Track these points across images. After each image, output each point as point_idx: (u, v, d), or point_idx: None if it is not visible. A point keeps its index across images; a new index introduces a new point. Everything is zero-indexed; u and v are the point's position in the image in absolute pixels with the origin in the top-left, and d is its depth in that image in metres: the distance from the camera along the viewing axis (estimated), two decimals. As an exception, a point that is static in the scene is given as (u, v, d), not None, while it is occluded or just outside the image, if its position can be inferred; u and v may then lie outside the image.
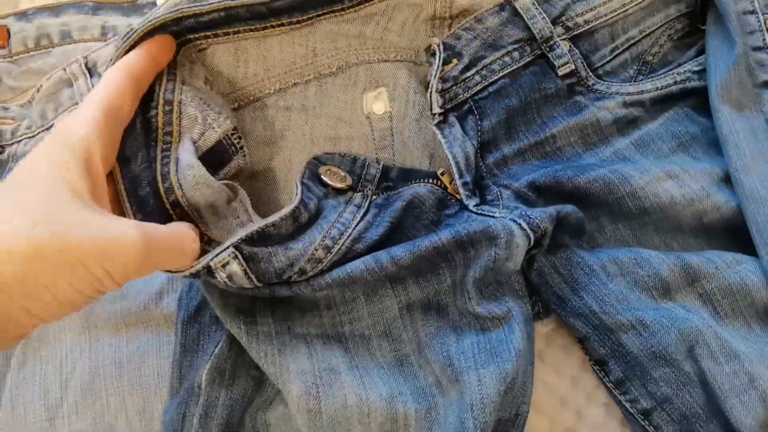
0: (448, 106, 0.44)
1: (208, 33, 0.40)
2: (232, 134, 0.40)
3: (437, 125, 0.43)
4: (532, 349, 0.40)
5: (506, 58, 0.45)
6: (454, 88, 0.45)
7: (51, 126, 0.51)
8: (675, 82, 0.47)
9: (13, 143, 0.51)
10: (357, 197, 0.42)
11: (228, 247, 0.35)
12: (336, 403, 0.37)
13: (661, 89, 0.46)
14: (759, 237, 0.42)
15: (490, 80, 0.45)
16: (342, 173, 0.43)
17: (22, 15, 0.55)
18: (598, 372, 0.42)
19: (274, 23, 0.41)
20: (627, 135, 0.45)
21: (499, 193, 0.43)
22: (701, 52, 0.48)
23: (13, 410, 0.44)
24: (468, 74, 0.45)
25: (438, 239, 0.38)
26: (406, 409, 0.38)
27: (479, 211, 0.42)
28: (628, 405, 0.41)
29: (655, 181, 0.42)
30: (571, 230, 0.42)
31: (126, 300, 0.45)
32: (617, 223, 0.44)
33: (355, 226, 0.40)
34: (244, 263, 0.35)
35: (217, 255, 0.34)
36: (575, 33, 0.46)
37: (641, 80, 0.47)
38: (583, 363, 0.43)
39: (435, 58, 0.44)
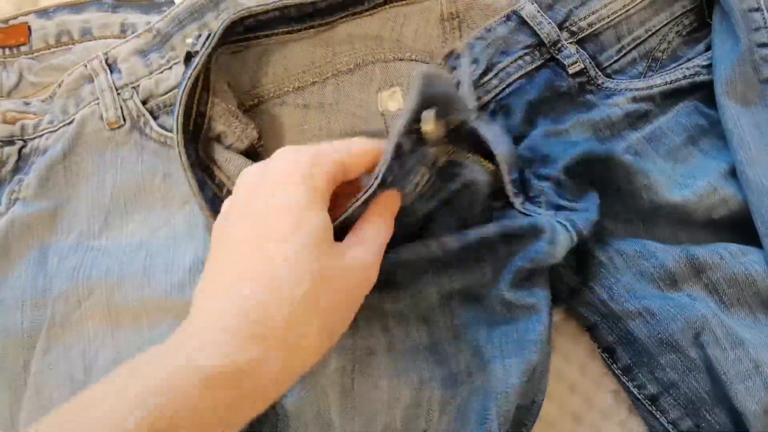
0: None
1: (251, 35, 0.41)
2: (256, 143, 0.42)
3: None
4: (543, 334, 0.41)
5: (519, 62, 0.47)
6: (476, 91, 0.46)
7: (72, 121, 0.52)
8: (684, 77, 0.48)
9: (35, 137, 0.53)
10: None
11: None
12: (369, 384, 0.39)
13: (670, 83, 0.47)
14: (764, 228, 0.43)
15: (507, 82, 0.47)
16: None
17: (43, 12, 0.57)
18: (606, 359, 0.43)
19: (308, 24, 0.42)
20: (639, 129, 0.46)
21: (541, 189, 0.44)
22: (710, 46, 0.49)
23: (38, 395, 0.45)
24: (486, 78, 0.46)
25: (487, 231, 0.40)
26: (431, 394, 0.39)
27: (525, 210, 0.43)
28: (635, 391, 0.42)
29: (669, 180, 0.44)
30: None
31: (148, 288, 0.47)
32: (630, 213, 0.45)
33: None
34: None
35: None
36: (580, 37, 0.48)
37: (651, 75, 0.48)
38: (591, 351, 0.44)
39: (462, 60, 0.45)
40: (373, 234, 0.34)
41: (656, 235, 0.45)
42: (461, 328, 0.42)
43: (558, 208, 0.43)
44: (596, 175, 0.44)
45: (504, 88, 0.47)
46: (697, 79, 0.48)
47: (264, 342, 0.29)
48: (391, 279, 0.41)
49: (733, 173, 0.45)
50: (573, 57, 0.46)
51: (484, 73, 0.47)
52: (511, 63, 0.47)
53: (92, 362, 0.46)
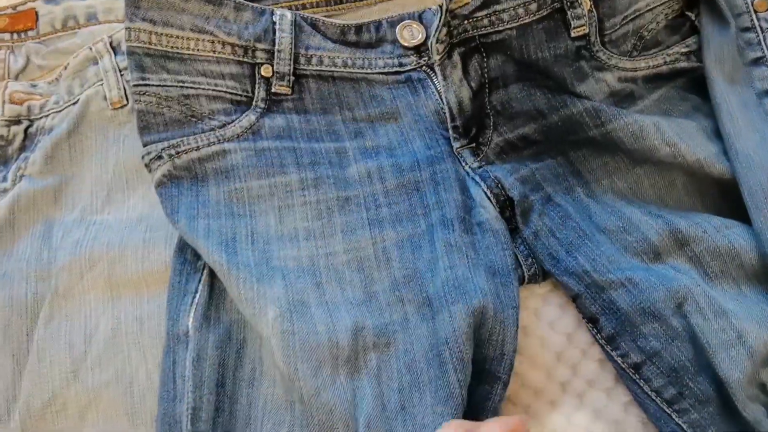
0: (455, 41, 0.48)
1: None
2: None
3: (440, 64, 0.47)
4: (510, 294, 0.43)
5: (520, 10, 0.48)
6: (464, 23, 0.48)
7: (77, 101, 0.54)
8: (665, 63, 0.49)
9: (41, 117, 0.54)
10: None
11: None
12: (308, 328, 0.41)
13: (652, 68, 0.49)
14: (750, 200, 0.44)
15: (497, 28, 0.48)
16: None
17: (51, -2, 0.59)
18: (590, 329, 0.44)
19: None
20: (624, 108, 0.48)
21: (489, 139, 0.47)
22: (687, 35, 0.51)
23: (39, 363, 0.47)
24: (478, 14, 0.48)
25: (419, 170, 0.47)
26: (365, 342, 0.41)
27: (457, 156, 0.48)
28: (619, 360, 0.43)
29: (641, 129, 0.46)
30: (556, 182, 0.46)
31: (148, 261, 0.48)
32: (612, 177, 0.47)
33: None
34: None
35: None
36: None
37: (636, 57, 0.49)
38: (578, 321, 0.45)
39: (439, 14, 0.47)
40: None
41: (642, 196, 0.46)
42: (404, 281, 0.44)
43: (501, 160, 0.48)
44: (571, 129, 0.47)
45: (491, 33, 0.48)
46: (678, 65, 0.49)
47: None
48: (325, 232, 0.45)
49: (717, 154, 0.47)
50: (582, 19, 0.48)
51: (479, 8, 0.48)
52: (511, 8, 0.48)
53: (93, 331, 0.47)
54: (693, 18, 0.51)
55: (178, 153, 0.46)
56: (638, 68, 0.49)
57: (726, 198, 0.46)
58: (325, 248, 0.45)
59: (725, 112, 0.47)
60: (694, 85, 0.50)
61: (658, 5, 0.50)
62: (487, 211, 0.46)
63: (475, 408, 0.42)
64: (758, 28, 0.48)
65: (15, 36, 0.58)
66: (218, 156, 0.47)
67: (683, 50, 0.50)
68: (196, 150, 0.47)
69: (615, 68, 0.48)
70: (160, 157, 0.46)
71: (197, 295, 0.45)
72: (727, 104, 0.47)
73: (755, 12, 0.48)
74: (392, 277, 0.44)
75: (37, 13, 0.58)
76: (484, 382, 0.42)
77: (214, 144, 0.47)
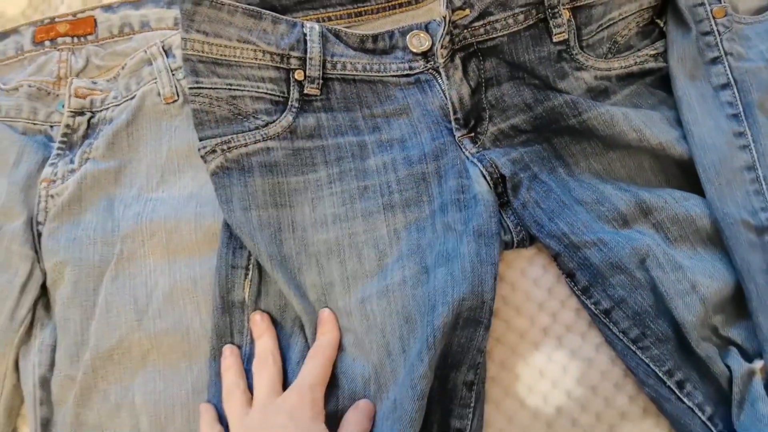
0: (457, 47, 0.57)
1: None
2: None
3: (444, 67, 0.57)
4: (491, 252, 0.51)
5: (510, 20, 0.57)
6: (464, 32, 0.57)
7: (134, 96, 0.63)
8: (636, 63, 0.58)
9: (102, 110, 0.63)
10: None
11: None
12: (333, 305, 0.53)
13: (624, 68, 0.58)
14: (704, 175, 0.53)
15: (491, 35, 0.57)
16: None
17: (108, 8, 0.68)
18: (568, 283, 0.53)
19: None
20: (599, 102, 0.56)
21: (486, 128, 0.56)
22: (656, 39, 0.59)
23: (108, 312, 0.55)
24: (476, 24, 0.57)
25: (426, 163, 0.56)
26: (371, 306, 0.51)
27: (458, 143, 0.57)
28: (592, 307, 0.52)
29: (612, 118, 0.55)
30: (541, 163, 0.56)
31: (200, 231, 0.57)
32: (589, 159, 0.56)
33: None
34: None
35: None
36: (577, 5, 0.57)
37: (610, 58, 0.58)
38: (558, 278, 0.54)
39: (443, 24, 0.56)
40: None
41: (615, 175, 0.55)
42: (408, 253, 0.53)
43: (495, 146, 0.56)
44: (553, 119, 0.56)
45: (487, 39, 0.57)
46: (646, 66, 0.58)
47: None
48: (348, 215, 0.55)
49: (678, 138, 0.55)
50: (562, 27, 0.56)
51: (476, 19, 0.57)
52: (502, 19, 0.57)
53: (153, 289, 0.56)
54: (662, 25, 0.60)
55: (229, 148, 0.55)
56: (612, 68, 0.58)
57: (686, 176, 0.55)
58: (349, 229, 0.54)
59: (685, 103, 0.56)
60: (660, 83, 0.59)
61: (630, 15, 0.59)
62: (482, 186, 0.54)
63: (463, 347, 0.50)
64: (716, 33, 0.56)
65: (75, 39, 0.67)
66: (263, 152, 0.55)
67: (652, 52, 0.59)
68: (244, 146, 0.55)
69: (592, 68, 0.57)
70: (214, 151, 0.54)
71: (250, 273, 0.54)
72: (687, 97, 0.56)
73: (714, 18, 0.56)
74: (400, 251, 0.53)
75: (95, 20, 0.67)
76: (468, 326, 0.50)
77: (260, 141, 0.55)
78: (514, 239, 0.55)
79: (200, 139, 0.55)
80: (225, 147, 0.54)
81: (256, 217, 0.53)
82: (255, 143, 0.55)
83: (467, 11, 0.56)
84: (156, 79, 0.63)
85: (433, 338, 0.47)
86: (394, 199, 0.55)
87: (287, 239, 0.54)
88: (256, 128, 0.56)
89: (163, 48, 0.64)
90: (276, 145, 0.56)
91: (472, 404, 0.50)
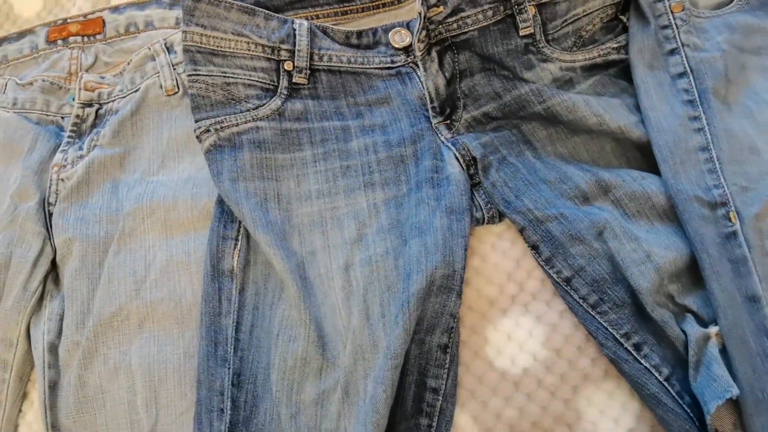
0: (433, 41, 0.62)
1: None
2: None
3: (422, 59, 0.62)
4: (462, 226, 0.56)
5: (480, 16, 0.62)
6: (439, 27, 0.62)
7: (138, 89, 0.68)
8: (599, 55, 0.62)
9: (109, 102, 0.69)
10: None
11: None
12: (315, 272, 0.56)
13: (588, 60, 0.62)
14: (659, 155, 0.57)
15: (464, 30, 0.62)
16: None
17: (115, 9, 0.73)
18: (533, 254, 0.57)
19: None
20: (564, 90, 0.61)
21: (460, 116, 0.61)
22: (619, 33, 0.64)
23: (110, 283, 0.60)
24: (449, 20, 0.62)
25: (404, 147, 0.60)
26: (355, 274, 0.56)
27: (436, 130, 0.61)
28: (554, 276, 0.56)
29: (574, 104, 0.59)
30: (510, 147, 0.60)
31: (196, 210, 0.62)
32: (555, 143, 0.60)
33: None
34: None
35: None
36: (543, 1, 0.61)
37: (575, 51, 0.63)
38: (525, 252, 0.58)
39: (418, 19, 0.60)
40: None
41: (578, 157, 0.59)
42: (387, 226, 0.57)
43: (469, 131, 0.60)
44: (521, 106, 0.60)
45: (460, 34, 0.62)
46: (609, 57, 0.63)
47: None
48: (331, 191, 0.59)
49: (636, 123, 0.59)
50: (528, 22, 0.61)
51: (449, 15, 0.61)
52: (473, 15, 0.61)
53: (151, 262, 0.61)
54: (626, 21, 0.64)
55: (222, 128, 0.60)
56: (576, 60, 0.62)
57: (645, 158, 0.59)
58: (331, 204, 0.59)
59: (643, 90, 0.60)
60: (623, 73, 0.63)
61: (594, 11, 0.63)
62: (454, 168, 0.59)
63: (437, 313, 0.54)
64: (674, 26, 0.60)
65: (85, 38, 0.73)
66: (252, 131, 0.60)
67: (614, 45, 0.63)
68: (235, 126, 0.60)
69: (557, 60, 0.62)
70: (208, 131, 0.60)
71: (239, 243, 0.59)
72: (645, 84, 0.60)
73: (672, 13, 0.61)
74: (380, 224, 0.58)
75: (104, 21, 0.73)
76: (441, 293, 0.54)
77: (250, 122, 0.61)
78: (485, 216, 0.59)
79: (196, 121, 0.60)
80: (218, 126, 0.59)
81: (243, 187, 0.58)
82: (245, 123, 0.60)
83: (441, 8, 0.61)
84: (158, 73, 0.68)
85: (408, 304, 0.52)
86: (375, 178, 0.59)
87: (272, 208, 0.58)
88: (247, 110, 0.61)
89: (165, 45, 0.69)
90: (265, 125, 0.61)
91: (447, 365, 0.54)
